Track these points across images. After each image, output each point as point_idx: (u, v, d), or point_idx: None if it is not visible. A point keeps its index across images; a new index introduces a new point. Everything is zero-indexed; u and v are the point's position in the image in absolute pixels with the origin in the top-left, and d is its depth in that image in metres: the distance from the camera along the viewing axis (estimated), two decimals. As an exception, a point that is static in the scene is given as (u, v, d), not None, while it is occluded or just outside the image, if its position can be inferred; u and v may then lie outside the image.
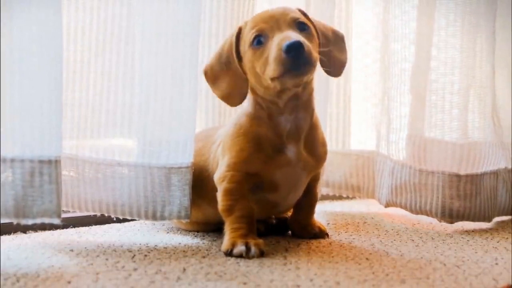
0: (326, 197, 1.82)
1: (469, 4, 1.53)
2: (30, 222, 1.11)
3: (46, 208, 1.12)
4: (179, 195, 1.28)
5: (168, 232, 1.38)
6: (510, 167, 1.58)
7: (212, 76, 1.24)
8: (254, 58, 1.17)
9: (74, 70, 1.29)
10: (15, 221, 1.10)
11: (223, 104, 1.31)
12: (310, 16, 1.25)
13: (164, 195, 1.28)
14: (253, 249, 1.15)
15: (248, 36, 1.18)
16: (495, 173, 1.54)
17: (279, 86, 1.16)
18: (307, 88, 1.21)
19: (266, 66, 1.14)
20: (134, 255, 1.16)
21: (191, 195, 1.29)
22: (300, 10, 1.23)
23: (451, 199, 1.48)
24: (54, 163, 1.13)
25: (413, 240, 1.33)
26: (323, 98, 1.58)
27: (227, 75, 1.22)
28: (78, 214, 1.39)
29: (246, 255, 1.15)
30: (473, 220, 1.50)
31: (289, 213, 1.38)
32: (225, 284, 0.98)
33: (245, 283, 0.98)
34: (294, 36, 1.11)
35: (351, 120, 1.76)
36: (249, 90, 1.23)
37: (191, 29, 1.27)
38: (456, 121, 1.53)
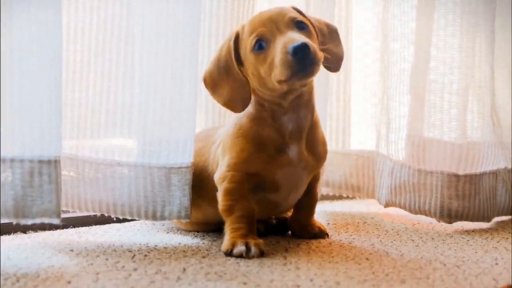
0: (326, 197, 1.82)
1: (468, 4, 1.53)
2: (29, 222, 1.11)
3: (46, 208, 1.12)
4: (179, 195, 1.28)
5: (168, 232, 1.38)
6: (509, 167, 1.58)
7: (212, 83, 1.23)
8: (258, 63, 1.16)
9: (74, 70, 1.29)
10: (14, 221, 1.10)
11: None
12: (305, 12, 1.24)
13: (164, 195, 1.28)
14: (253, 249, 1.15)
15: (248, 41, 1.17)
16: (494, 173, 1.54)
17: (286, 88, 1.16)
18: (308, 86, 1.21)
19: (272, 70, 1.14)
20: (134, 255, 1.16)
21: (191, 195, 1.29)
22: (294, 8, 1.23)
23: (450, 199, 1.48)
24: (53, 163, 1.12)
25: (413, 240, 1.33)
26: (323, 98, 1.58)
27: (227, 81, 1.21)
28: (78, 214, 1.39)
29: (246, 255, 1.15)
30: (472, 220, 1.50)
31: (289, 213, 1.38)
32: (225, 284, 0.98)
33: (245, 283, 0.98)
34: (298, 37, 1.11)
35: (351, 120, 1.76)
36: (252, 91, 1.23)
37: (191, 29, 1.27)
38: (455, 121, 1.53)
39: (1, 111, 1.09)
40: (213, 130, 1.38)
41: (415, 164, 1.53)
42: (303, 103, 1.22)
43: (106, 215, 1.30)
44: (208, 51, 1.48)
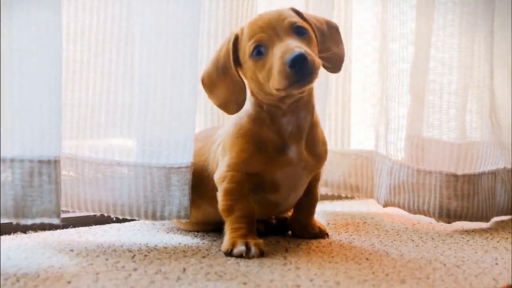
0: (326, 197, 1.82)
1: (467, 4, 1.52)
2: (29, 222, 1.11)
3: (46, 208, 1.12)
4: (179, 195, 1.28)
5: (168, 232, 1.38)
6: (509, 167, 1.58)
7: (209, 83, 1.23)
8: (256, 69, 1.16)
9: (73, 70, 1.29)
10: (14, 221, 1.10)
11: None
12: (304, 12, 1.24)
13: (163, 195, 1.28)
14: (253, 249, 1.15)
15: (247, 46, 1.17)
16: (493, 173, 1.54)
17: (284, 94, 1.16)
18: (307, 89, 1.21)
19: (270, 77, 1.13)
20: (134, 255, 1.16)
21: (191, 195, 1.29)
22: (294, 10, 1.22)
23: (449, 199, 1.48)
24: (53, 163, 1.12)
25: (413, 240, 1.33)
26: (323, 98, 1.59)
27: (224, 82, 1.21)
28: (78, 214, 1.39)
29: (246, 255, 1.15)
30: (471, 220, 1.50)
31: (289, 213, 1.38)
32: (225, 284, 0.98)
33: (245, 283, 0.98)
34: (296, 47, 1.10)
35: (351, 120, 1.76)
36: (249, 92, 1.23)
37: (190, 29, 1.27)
38: (453, 121, 1.53)
39: (1, 111, 1.09)
40: (212, 130, 1.38)
41: (414, 164, 1.53)
42: (302, 105, 1.22)
43: (106, 215, 1.30)
44: (208, 51, 1.48)
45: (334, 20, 1.62)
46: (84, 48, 1.29)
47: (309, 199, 1.33)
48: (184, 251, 1.20)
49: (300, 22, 1.18)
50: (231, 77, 1.21)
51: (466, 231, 1.46)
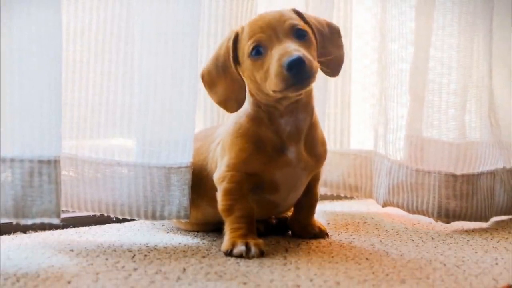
0: (326, 197, 1.82)
1: (466, 4, 1.52)
2: (29, 222, 1.11)
3: (46, 208, 1.12)
4: (179, 195, 1.28)
5: (168, 232, 1.38)
6: (508, 167, 1.58)
7: (209, 80, 1.24)
8: (254, 69, 1.16)
9: (73, 70, 1.29)
10: (14, 221, 1.10)
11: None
12: (306, 14, 1.23)
13: (163, 195, 1.28)
14: (253, 249, 1.15)
15: (246, 46, 1.17)
16: (492, 173, 1.54)
17: (280, 96, 1.17)
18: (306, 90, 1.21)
19: (267, 78, 1.14)
20: (134, 255, 1.16)
21: (191, 195, 1.29)
22: (295, 11, 1.22)
23: (448, 199, 1.48)
24: (53, 163, 1.12)
25: (413, 240, 1.33)
26: (322, 98, 1.58)
27: (224, 80, 1.22)
28: (78, 214, 1.39)
29: (246, 255, 1.15)
30: (470, 220, 1.50)
31: (289, 213, 1.38)
32: (225, 284, 0.98)
33: (245, 283, 0.98)
34: (294, 50, 1.10)
35: (351, 121, 1.76)
36: (248, 92, 1.23)
37: (190, 29, 1.27)
38: (453, 121, 1.53)
39: (1, 111, 1.09)
40: (212, 130, 1.38)
41: (413, 164, 1.53)
42: (300, 107, 1.22)
43: (106, 215, 1.30)
44: (208, 51, 1.48)
45: (334, 20, 1.63)
46: (84, 48, 1.29)
47: (309, 199, 1.33)
48: (184, 251, 1.20)
49: (300, 24, 1.18)
50: (231, 75, 1.21)
51: (466, 231, 1.46)
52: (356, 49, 1.74)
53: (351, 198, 1.82)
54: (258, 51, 1.16)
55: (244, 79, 1.21)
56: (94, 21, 1.29)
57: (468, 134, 1.55)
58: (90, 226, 1.42)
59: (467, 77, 1.54)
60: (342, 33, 1.30)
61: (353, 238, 1.34)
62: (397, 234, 1.39)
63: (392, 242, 1.31)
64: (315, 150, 1.26)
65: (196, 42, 1.28)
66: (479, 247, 1.28)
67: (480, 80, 1.56)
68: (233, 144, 1.22)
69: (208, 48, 1.48)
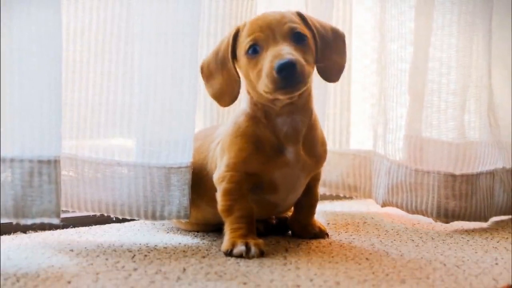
0: (326, 197, 1.82)
1: (465, 3, 1.52)
2: (29, 222, 1.11)
3: (46, 208, 1.12)
4: (179, 195, 1.28)
5: (168, 232, 1.38)
6: (507, 166, 1.58)
7: (208, 72, 1.25)
8: (249, 66, 1.17)
9: (73, 70, 1.29)
10: (14, 221, 1.10)
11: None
12: (310, 18, 1.24)
13: (163, 195, 1.28)
14: (253, 249, 1.15)
15: (244, 43, 1.18)
16: (492, 173, 1.54)
17: (271, 97, 1.17)
18: (304, 92, 1.20)
19: (259, 78, 1.14)
20: (134, 255, 1.16)
21: (191, 195, 1.29)
22: (299, 14, 1.22)
23: (447, 199, 1.48)
24: (53, 163, 1.12)
25: (413, 240, 1.33)
26: (322, 99, 1.58)
27: (221, 74, 1.23)
28: (78, 214, 1.39)
29: (246, 255, 1.15)
30: (469, 220, 1.50)
31: (289, 213, 1.38)
32: (225, 284, 0.98)
33: (245, 283, 0.98)
34: (287, 53, 1.11)
35: (350, 121, 1.76)
36: (246, 91, 1.23)
37: (190, 29, 1.27)
38: (452, 121, 1.53)
39: (1, 111, 1.09)
40: (212, 129, 1.38)
41: (412, 164, 1.53)
42: (298, 109, 1.22)
43: (106, 215, 1.30)
44: (207, 50, 1.48)
45: (333, 20, 1.63)
46: (84, 48, 1.29)
47: (309, 199, 1.33)
48: (184, 251, 1.20)
49: (300, 28, 1.18)
50: (228, 70, 1.22)
51: (466, 231, 1.46)
52: (356, 49, 1.74)
53: (350, 198, 1.82)
54: (255, 50, 1.16)
55: (241, 76, 1.22)
56: (94, 21, 1.29)
57: (467, 134, 1.55)
58: (90, 226, 1.42)
59: (466, 77, 1.54)
60: (342, 33, 1.30)
61: (353, 238, 1.34)
62: (397, 234, 1.39)
63: (392, 242, 1.31)
64: (315, 151, 1.26)
65: (196, 42, 1.28)
66: (479, 247, 1.28)
67: (479, 79, 1.56)
68: (233, 144, 1.23)
69: (208, 48, 1.48)
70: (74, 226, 1.40)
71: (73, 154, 1.28)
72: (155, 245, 1.25)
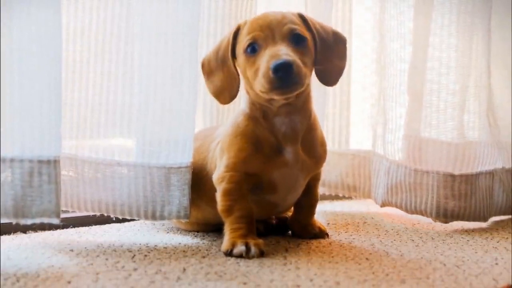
0: (326, 197, 1.82)
1: (464, 3, 1.53)
2: (29, 222, 1.11)
3: (45, 208, 1.12)
4: (179, 195, 1.28)
5: (168, 232, 1.38)
6: (507, 166, 1.59)
7: (208, 69, 1.25)
8: (247, 65, 1.17)
9: (73, 70, 1.29)
10: (14, 221, 1.10)
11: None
12: (312, 20, 1.23)
13: (163, 195, 1.28)
14: (253, 249, 1.15)
15: (243, 41, 1.18)
16: (491, 173, 1.54)
17: (267, 97, 1.17)
18: (302, 93, 1.20)
19: (256, 77, 1.14)
20: (134, 255, 1.16)
21: (191, 195, 1.29)
22: (300, 15, 1.22)
23: (446, 199, 1.49)
24: (53, 163, 1.12)
25: (413, 240, 1.33)
26: (322, 99, 1.58)
27: (221, 71, 1.23)
28: (78, 214, 1.39)
29: (246, 255, 1.15)
30: (468, 220, 1.50)
31: (289, 213, 1.38)
32: (225, 284, 0.98)
33: (245, 283, 0.98)
34: (284, 54, 1.11)
35: (350, 120, 1.76)
36: (245, 90, 1.24)
37: (190, 29, 1.27)
38: (451, 121, 1.53)
39: (1, 111, 1.08)
40: (211, 130, 1.38)
41: (411, 164, 1.53)
42: (296, 109, 1.22)
43: (106, 215, 1.30)
44: (207, 50, 1.47)
45: (333, 20, 1.63)
46: (84, 48, 1.29)
47: (309, 199, 1.33)
48: (184, 251, 1.20)
49: (300, 30, 1.18)
50: (227, 68, 1.22)
51: (465, 231, 1.46)
52: (355, 49, 1.74)
53: (350, 198, 1.82)
54: (253, 49, 1.16)
55: (239, 74, 1.22)
56: (94, 21, 1.29)
57: (466, 134, 1.55)
58: (90, 226, 1.42)
59: (465, 76, 1.54)
60: (342, 32, 1.30)
61: (353, 238, 1.34)
62: (397, 234, 1.39)
63: (392, 242, 1.31)
64: (314, 152, 1.26)
65: (196, 42, 1.28)
66: (479, 247, 1.28)
67: (479, 79, 1.56)
68: (232, 144, 1.23)
69: (208, 47, 1.48)
70: (74, 226, 1.40)
71: (73, 154, 1.28)
72: (155, 245, 1.25)
